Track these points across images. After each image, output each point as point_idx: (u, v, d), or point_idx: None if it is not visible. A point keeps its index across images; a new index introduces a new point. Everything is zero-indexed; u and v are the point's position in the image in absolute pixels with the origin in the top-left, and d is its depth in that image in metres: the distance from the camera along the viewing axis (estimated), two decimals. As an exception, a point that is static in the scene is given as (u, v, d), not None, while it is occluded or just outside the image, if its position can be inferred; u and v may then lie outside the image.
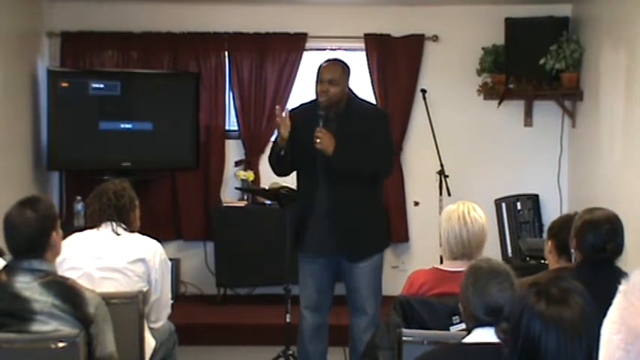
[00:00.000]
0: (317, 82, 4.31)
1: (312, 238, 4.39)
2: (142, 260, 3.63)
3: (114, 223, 3.69)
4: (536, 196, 6.76)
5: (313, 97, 4.41)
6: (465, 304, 2.47)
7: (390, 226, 4.53)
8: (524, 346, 1.86)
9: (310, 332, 4.53)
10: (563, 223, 3.46)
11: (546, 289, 1.89)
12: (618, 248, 3.21)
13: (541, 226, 6.64)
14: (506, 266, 2.51)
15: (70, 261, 3.57)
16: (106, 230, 3.69)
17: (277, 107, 4.52)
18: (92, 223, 3.74)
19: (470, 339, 2.43)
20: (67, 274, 3.46)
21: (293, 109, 4.51)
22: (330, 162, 4.21)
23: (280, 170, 4.53)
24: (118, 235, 3.68)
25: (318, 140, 4.19)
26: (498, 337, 2.27)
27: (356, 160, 4.24)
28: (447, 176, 5.94)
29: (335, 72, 4.27)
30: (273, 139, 4.62)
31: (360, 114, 4.36)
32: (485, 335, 2.37)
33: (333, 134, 4.22)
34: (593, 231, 3.18)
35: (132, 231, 3.74)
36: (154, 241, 3.75)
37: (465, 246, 3.39)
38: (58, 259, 3.23)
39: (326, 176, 4.28)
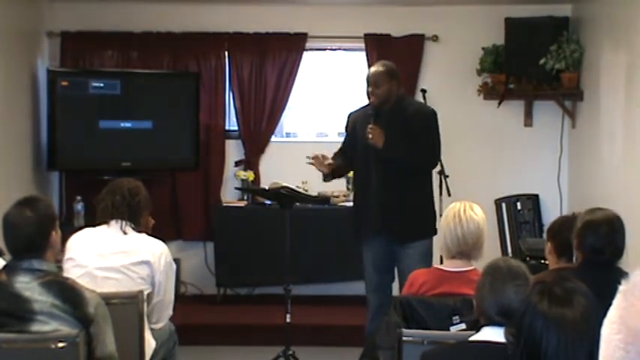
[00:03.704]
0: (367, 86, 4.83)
1: (368, 224, 4.82)
2: (147, 263, 3.60)
3: (123, 222, 3.65)
4: (536, 196, 6.76)
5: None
6: (479, 302, 2.46)
7: (435, 217, 4.87)
8: (526, 344, 1.86)
9: (374, 311, 4.83)
10: (563, 224, 3.46)
11: (550, 289, 1.89)
12: (617, 251, 3.19)
13: (541, 226, 6.64)
14: (525, 268, 2.50)
15: (75, 259, 3.56)
16: (114, 228, 3.64)
17: (308, 157, 4.98)
18: (102, 219, 3.69)
19: (478, 337, 2.42)
20: (72, 271, 3.46)
21: (352, 112, 5.05)
22: (380, 154, 4.69)
23: (337, 177, 5.14)
24: (126, 234, 3.64)
25: (370, 136, 4.66)
26: (506, 339, 2.26)
27: (403, 152, 4.70)
28: (447, 176, 5.94)
29: (378, 75, 4.76)
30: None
31: (407, 111, 4.83)
32: (493, 334, 2.37)
33: (383, 129, 4.67)
34: (593, 232, 3.18)
35: (140, 231, 3.70)
36: (161, 243, 3.70)
37: (461, 244, 3.39)
38: (65, 256, 3.22)
39: (377, 167, 4.75)
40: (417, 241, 4.74)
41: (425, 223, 4.84)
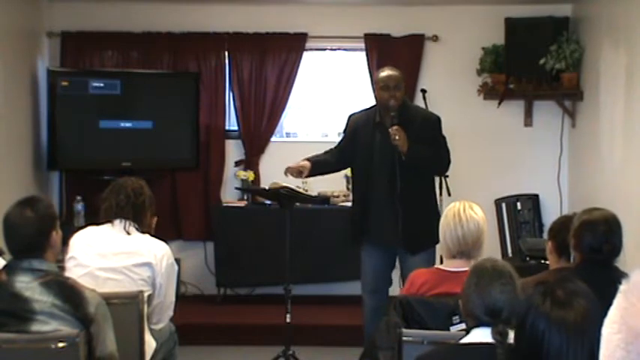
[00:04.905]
0: (380, 89, 4.77)
1: (377, 230, 4.78)
2: (149, 265, 3.58)
3: (127, 222, 3.63)
4: (536, 196, 6.76)
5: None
6: (465, 303, 2.46)
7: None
8: (528, 345, 1.86)
9: (370, 313, 4.83)
10: (563, 224, 3.47)
11: (552, 290, 1.89)
12: (615, 249, 3.21)
13: (541, 226, 6.64)
14: (511, 268, 2.49)
15: (77, 258, 3.56)
16: (117, 228, 3.63)
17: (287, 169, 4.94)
18: (106, 218, 3.68)
19: (468, 339, 2.42)
20: (74, 271, 3.46)
21: (353, 114, 5.00)
22: (402, 158, 4.62)
23: (326, 173, 5.13)
24: (129, 234, 3.62)
25: (396, 137, 4.58)
26: (494, 338, 2.26)
27: (426, 155, 4.70)
28: (447, 176, 5.93)
29: (397, 79, 4.76)
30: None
31: (417, 116, 4.83)
32: (483, 335, 2.36)
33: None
34: (590, 231, 3.19)
35: (143, 232, 3.69)
36: (163, 245, 3.68)
37: (461, 243, 3.39)
38: (67, 254, 3.22)
39: (389, 174, 4.68)
40: (427, 249, 4.74)
41: (434, 232, 4.83)
